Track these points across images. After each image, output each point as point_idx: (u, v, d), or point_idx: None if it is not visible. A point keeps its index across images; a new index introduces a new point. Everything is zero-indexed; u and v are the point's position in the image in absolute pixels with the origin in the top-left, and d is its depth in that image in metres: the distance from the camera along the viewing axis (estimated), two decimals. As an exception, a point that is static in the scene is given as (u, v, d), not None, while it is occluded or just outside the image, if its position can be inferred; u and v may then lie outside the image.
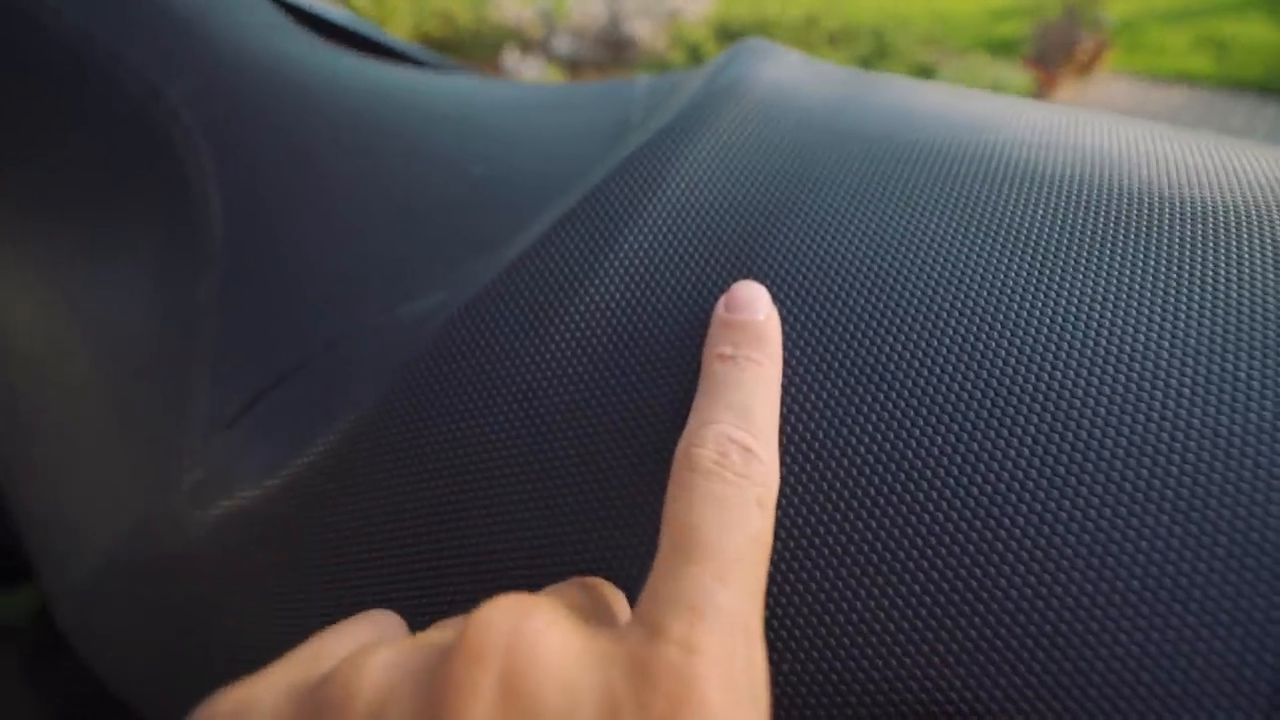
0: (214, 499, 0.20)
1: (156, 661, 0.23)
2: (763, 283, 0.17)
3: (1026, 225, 0.17)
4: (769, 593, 0.14)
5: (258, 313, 0.23)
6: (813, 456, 0.15)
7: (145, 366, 0.24)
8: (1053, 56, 2.40)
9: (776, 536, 0.14)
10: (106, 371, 0.25)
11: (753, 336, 0.15)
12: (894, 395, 0.15)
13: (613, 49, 2.62)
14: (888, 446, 0.14)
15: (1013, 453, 0.14)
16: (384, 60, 0.43)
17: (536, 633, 0.11)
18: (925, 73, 2.31)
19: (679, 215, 0.18)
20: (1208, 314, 0.15)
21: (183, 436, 0.22)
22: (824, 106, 0.21)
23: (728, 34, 2.62)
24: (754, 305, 0.16)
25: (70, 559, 0.24)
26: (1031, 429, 0.14)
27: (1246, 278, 0.15)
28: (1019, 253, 0.16)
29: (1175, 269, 0.15)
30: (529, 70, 2.45)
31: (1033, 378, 0.14)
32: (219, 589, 0.21)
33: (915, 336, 0.15)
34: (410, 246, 0.23)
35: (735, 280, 0.17)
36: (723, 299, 0.16)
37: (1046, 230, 0.16)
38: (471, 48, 2.90)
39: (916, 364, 0.15)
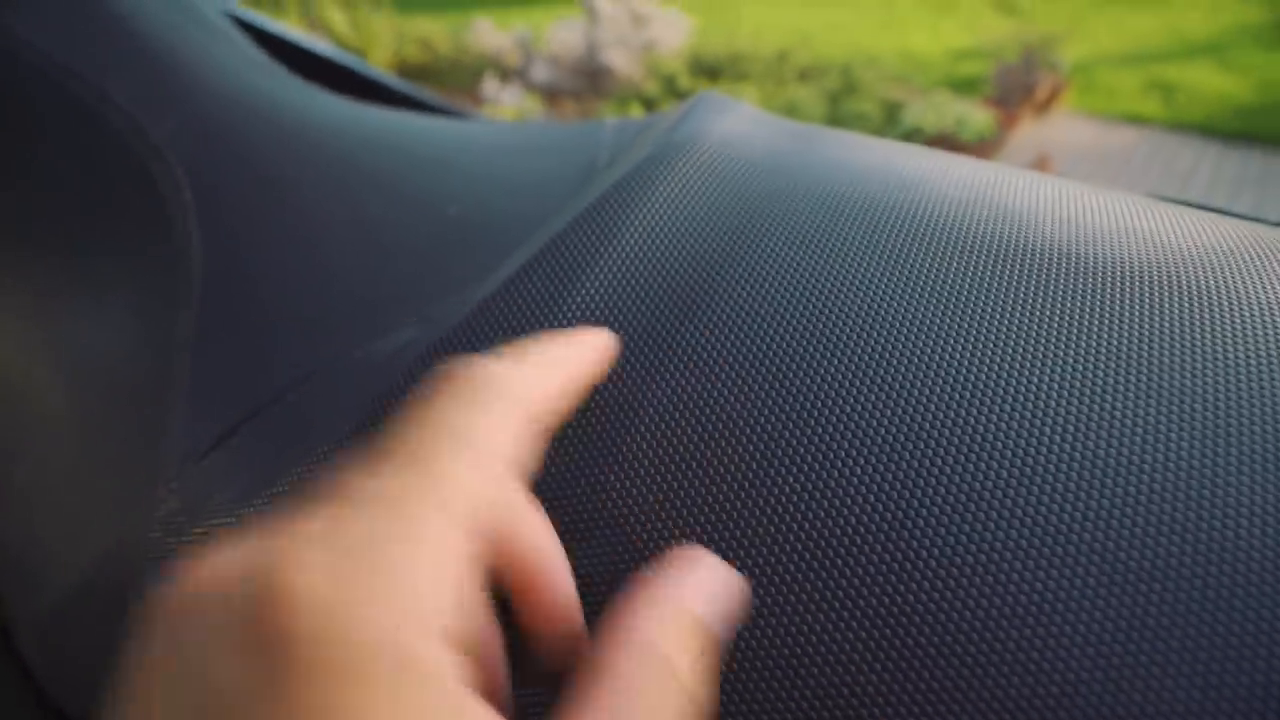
0: (187, 528, 0.21)
1: None
2: (699, 330, 0.18)
3: (942, 277, 0.19)
4: None
5: (235, 347, 0.24)
6: (743, 491, 0.16)
7: (122, 398, 0.25)
8: (1012, 96, 2.53)
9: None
10: (83, 402, 0.25)
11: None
12: (817, 428, 0.16)
13: (590, 78, 2.67)
14: (813, 476, 0.16)
15: (922, 482, 0.15)
16: (365, 94, 0.45)
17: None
18: (892, 109, 2.40)
19: (631, 265, 0.20)
20: (1092, 360, 0.17)
21: (158, 467, 0.23)
22: (770, 160, 0.23)
23: (701, 66, 2.69)
24: None
25: (40, 583, 0.25)
26: (938, 459, 0.15)
27: (1128, 325, 0.17)
28: (934, 303, 0.18)
29: (1069, 319, 0.17)
30: (507, 98, 2.49)
31: (941, 415, 0.16)
32: None
33: (837, 377, 0.17)
34: (384, 285, 0.25)
35: (678, 328, 0.19)
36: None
37: (961, 282, 0.18)
38: (451, 75, 2.94)
39: (840, 403, 0.17)
